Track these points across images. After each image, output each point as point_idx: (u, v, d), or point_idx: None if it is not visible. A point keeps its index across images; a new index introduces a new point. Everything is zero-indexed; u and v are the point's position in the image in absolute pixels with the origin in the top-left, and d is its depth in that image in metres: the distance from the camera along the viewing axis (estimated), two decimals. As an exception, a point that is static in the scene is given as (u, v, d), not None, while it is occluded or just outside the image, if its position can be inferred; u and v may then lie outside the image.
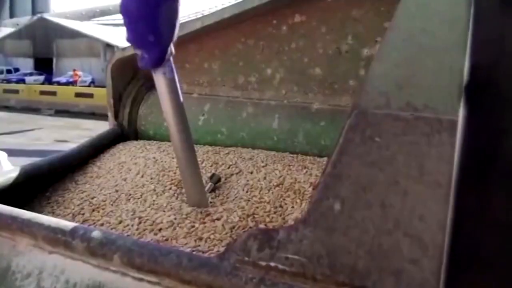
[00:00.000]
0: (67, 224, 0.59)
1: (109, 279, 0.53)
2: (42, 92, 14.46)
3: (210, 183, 0.93)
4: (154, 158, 1.08)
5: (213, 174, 0.96)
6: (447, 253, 0.31)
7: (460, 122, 0.32)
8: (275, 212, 0.79)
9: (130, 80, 1.32)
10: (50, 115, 12.96)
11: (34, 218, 0.61)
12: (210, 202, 0.87)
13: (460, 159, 0.31)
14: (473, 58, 0.30)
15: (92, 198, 0.91)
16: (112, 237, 0.55)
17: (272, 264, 0.46)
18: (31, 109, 13.37)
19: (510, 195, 0.29)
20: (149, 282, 0.51)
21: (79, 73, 18.55)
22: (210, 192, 0.91)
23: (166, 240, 0.72)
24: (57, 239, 0.57)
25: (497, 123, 0.29)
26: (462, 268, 0.29)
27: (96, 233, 0.56)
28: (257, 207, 0.81)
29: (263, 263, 0.47)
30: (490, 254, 0.28)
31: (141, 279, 0.51)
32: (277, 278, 0.45)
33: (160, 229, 0.76)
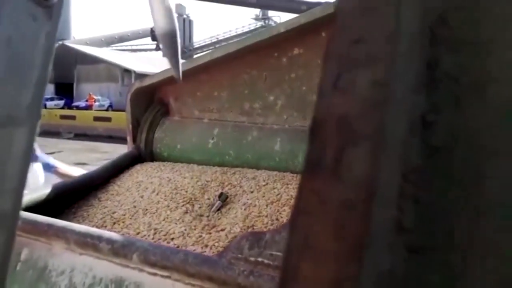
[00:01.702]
0: (95, 230, 0.71)
1: (128, 274, 0.65)
2: (62, 116, 14.89)
3: (218, 202, 1.05)
4: (168, 177, 1.20)
5: (221, 193, 1.07)
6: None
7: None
8: (271, 224, 0.90)
9: (146, 107, 1.45)
10: (69, 138, 13.30)
11: (67, 226, 0.73)
12: (218, 219, 0.98)
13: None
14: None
15: (113, 213, 1.03)
16: (132, 240, 0.67)
17: (260, 259, 0.57)
18: (51, 132, 13.76)
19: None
20: (161, 276, 0.62)
21: (95, 97, 19.03)
22: (218, 209, 1.03)
23: (177, 247, 0.83)
24: (87, 243, 0.69)
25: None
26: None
27: (118, 237, 0.68)
28: (256, 220, 0.92)
29: (253, 259, 0.58)
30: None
31: (155, 274, 0.63)
32: (263, 271, 0.56)
33: (172, 238, 0.87)
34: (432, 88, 0.29)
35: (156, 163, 1.36)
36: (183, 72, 1.33)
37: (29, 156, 0.39)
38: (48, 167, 1.69)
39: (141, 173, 1.26)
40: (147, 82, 1.39)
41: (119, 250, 0.66)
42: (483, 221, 0.26)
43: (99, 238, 0.69)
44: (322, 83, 0.23)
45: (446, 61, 0.30)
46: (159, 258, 0.63)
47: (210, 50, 1.41)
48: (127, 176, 1.26)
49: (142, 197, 1.10)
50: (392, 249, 0.25)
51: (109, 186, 1.21)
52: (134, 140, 1.44)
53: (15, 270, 0.74)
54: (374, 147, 0.20)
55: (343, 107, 0.21)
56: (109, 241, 0.68)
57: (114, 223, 0.99)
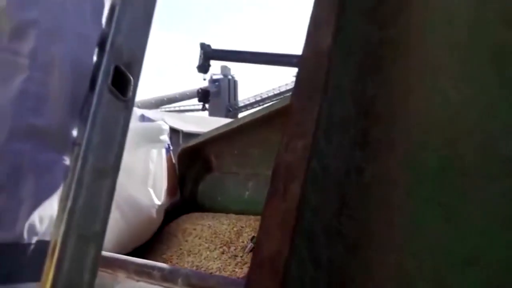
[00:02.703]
0: (149, 261, 0.90)
1: (174, 295, 0.83)
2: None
3: (250, 244, 1.22)
4: (208, 224, 1.39)
5: (253, 237, 1.24)
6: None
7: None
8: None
9: (192, 164, 1.67)
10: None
11: (127, 259, 0.93)
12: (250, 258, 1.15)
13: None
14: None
15: (163, 254, 1.23)
16: (177, 269, 0.86)
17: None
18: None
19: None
20: (199, 295, 0.80)
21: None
22: (250, 250, 1.20)
23: (214, 279, 1.00)
24: (143, 271, 0.88)
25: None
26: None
27: (167, 266, 0.87)
28: (282, 258, 1.08)
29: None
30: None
31: (195, 294, 0.80)
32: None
33: (210, 273, 1.05)
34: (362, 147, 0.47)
35: (199, 213, 1.55)
36: (223, 133, 1.56)
37: (112, 197, 0.60)
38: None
39: (186, 221, 1.46)
40: (192, 143, 1.62)
41: (167, 276, 0.84)
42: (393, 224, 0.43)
43: (152, 267, 0.88)
44: (279, 147, 0.41)
45: (374, 131, 0.48)
46: (198, 281, 0.80)
47: (253, 109, 1.63)
48: (174, 225, 1.46)
49: (186, 241, 1.29)
50: (329, 245, 0.42)
51: (161, 233, 1.41)
52: (181, 193, 1.65)
53: (87, 295, 0.94)
54: (303, 183, 0.38)
55: (288, 159, 0.39)
56: (160, 269, 0.86)
57: (164, 261, 1.17)
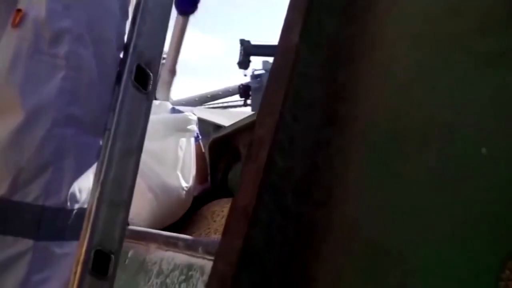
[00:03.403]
0: (175, 234, 1.04)
1: (196, 261, 0.95)
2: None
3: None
4: (235, 207, 1.51)
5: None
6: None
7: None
8: None
9: (221, 154, 1.81)
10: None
11: (158, 232, 1.07)
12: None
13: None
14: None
15: (193, 233, 1.36)
16: (199, 239, 0.99)
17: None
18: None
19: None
20: (217, 261, 0.92)
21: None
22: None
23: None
24: (170, 242, 1.02)
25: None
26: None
27: (190, 238, 1.00)
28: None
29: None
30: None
31: (211, 259, 0.93)
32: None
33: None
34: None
35: (227, 199, 1.68)
36: (250, 124, 1.68)
37: (137, 171, 0.73)
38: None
39: (216, 205, 1.59)
40: (221, 133, 1.75)
41: (190, 246, 0.98)
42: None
43: (177, 238, 1.01)
44: (256, 123, 0.52)
45: (342, 110, 0.58)
46: (215, 249, 0.93)
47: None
48: (205, 208, 1.60)
49: (214, 221, 1.42)
50: (297, 202, 0.53)
51: (193, 215, 1.55)
52: (212, 181, 1.79)
53: (125, 263, 1.09)
54: (269, 150, 0.49)
55: (260, 132, 0.51)
56: (184, 240, 1.00)
57: (193, 239, 1.31)
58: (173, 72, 1.42)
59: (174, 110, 1.45)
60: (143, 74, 0.75)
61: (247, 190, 0.49)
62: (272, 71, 0.55)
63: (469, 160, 0.46)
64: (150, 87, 0.76)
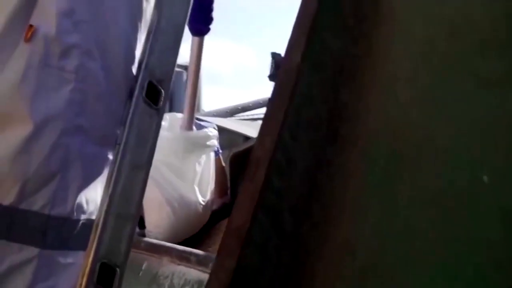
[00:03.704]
0: (188, 248, 1.05)
1: (206, 277, 0.95)
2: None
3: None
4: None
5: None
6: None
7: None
8: None
9: (242, 168, 1.81)
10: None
11: (171, 246, 1.08)
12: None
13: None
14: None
15: (209, 247, 1.37)
16: (210, 255, 0.99)
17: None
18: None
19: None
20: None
21: (222, 164, 20.64)
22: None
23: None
24: (183, 256, 1.03)
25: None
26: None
27: (201, 253, 1.00)
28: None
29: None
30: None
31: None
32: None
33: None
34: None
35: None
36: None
37: (145, 186, 0.74)
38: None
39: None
40: (242, 147, 1.76)
41: (201, 261, 0.98)
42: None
43: (190, 253, 1.02)
44: (256, 142, 0.53)
45: (343, 130, 0.57)
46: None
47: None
48: (223, 222, 1.60)
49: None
50: (295, 222, 0.53)
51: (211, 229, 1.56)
52: (232, 194, 1.80)
53: (139, 276, 1.10)
54: (267, 170, 0.49)
55: (259, 151, 0.51)
56: (196, 255, 1.01)
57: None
58: (195, 89, 1.43)
59: (197, 125, 1.46)
60: (155, 90, 0.77)
61: (242, 210, 0.49)
62: (274, 91, 0.55)
63: (468, 186, 0.44)
64: (161, 103, 0.77)
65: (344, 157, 0.54)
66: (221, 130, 2.31)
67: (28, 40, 0.72)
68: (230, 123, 2.70)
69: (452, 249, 0.43)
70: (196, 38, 1.35)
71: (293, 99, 0.52)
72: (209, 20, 1.27)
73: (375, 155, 0.52)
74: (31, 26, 0.73)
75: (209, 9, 1.25)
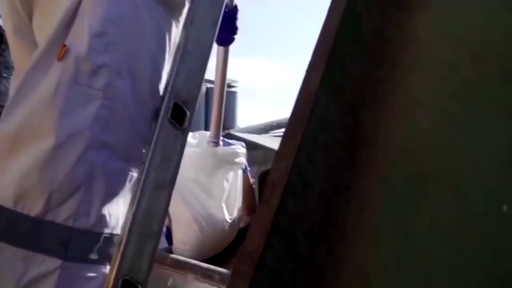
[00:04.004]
0: (212, 266, 1.05)
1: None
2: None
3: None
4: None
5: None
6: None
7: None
8: None
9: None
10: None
11: (196, 263, 1.09)
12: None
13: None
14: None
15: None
16: (233, 273, 0.99)
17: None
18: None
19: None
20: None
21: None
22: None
23: None
24: (207, 274, 1.03)
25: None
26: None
27: (225, 271, 1.01)
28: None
29: None
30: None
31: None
32: None
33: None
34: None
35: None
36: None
37: (168, 204, 0.76)
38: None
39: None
40: (269, 166, 1.77)
41: (224, 279, 0.98)
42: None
43: (214, 271, 1.03)
44: (272, 165, 0.53)
45: (361, 154, 0.57)
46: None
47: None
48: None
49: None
50: (310, 246, 0.52)
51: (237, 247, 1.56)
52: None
53: (164, 292, 1.11)
54: (282, 194, 0.49)
55: (275, 175, 0.51)
56: (219, 273, 1.01)
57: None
58: (221, 101, 1.42)
59: (224, 142, 1.48)
60: (180, 111, 0.79)
61: (256, 233, 0.49)
62: (291, 115, 0.55)
63: (488, 215, 0.43)
64: (186, 123, 0.79)
65: (361, 182, 0.54)
66: (256, 146, 2.31)
67: (60, 58, 0.76)
68: (265, 140, 2.71)
69: (470, 280, 0.42)
70: (222, 48, 1.36)
71: (310, 123, 0.53)
72: (234, 29, 1.27)
73: (393, 180, 0.51)
74: (64, 45, 0.77)
75: (234, 18, 1.25)
